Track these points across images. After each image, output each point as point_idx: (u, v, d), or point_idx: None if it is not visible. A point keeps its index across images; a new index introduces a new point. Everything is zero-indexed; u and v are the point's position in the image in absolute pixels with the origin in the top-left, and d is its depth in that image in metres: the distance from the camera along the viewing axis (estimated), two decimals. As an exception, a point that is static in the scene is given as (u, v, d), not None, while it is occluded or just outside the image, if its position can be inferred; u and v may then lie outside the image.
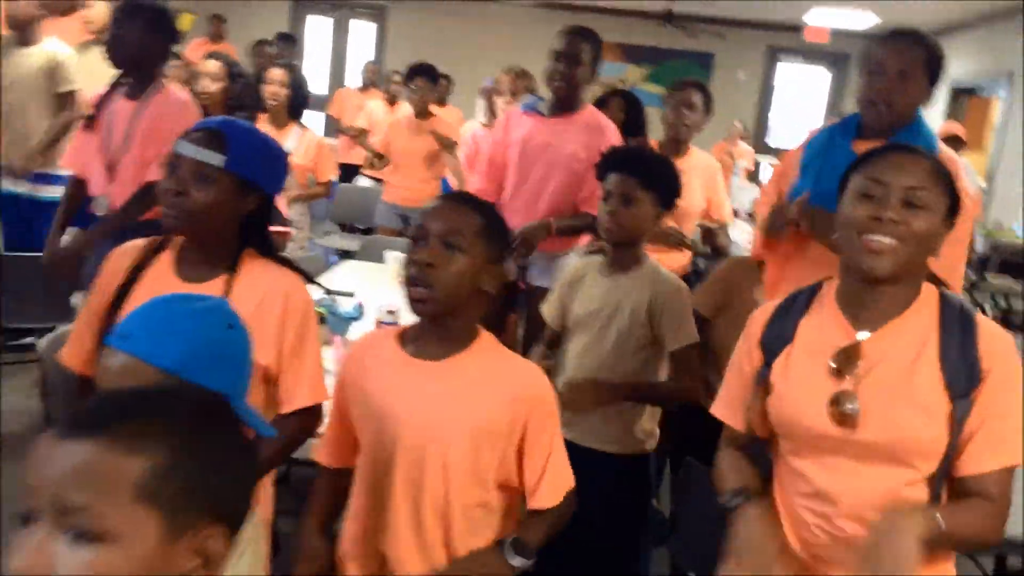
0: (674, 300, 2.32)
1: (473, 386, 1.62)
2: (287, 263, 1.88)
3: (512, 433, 1.63)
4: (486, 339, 1.67)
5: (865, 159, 1.55)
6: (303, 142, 4.32)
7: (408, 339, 1.68)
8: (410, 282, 1.58)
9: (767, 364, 1.61)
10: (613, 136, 3.33)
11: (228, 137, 1.74)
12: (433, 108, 5.56)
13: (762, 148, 10.15)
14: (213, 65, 3.85)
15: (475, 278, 1.59)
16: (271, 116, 4.29)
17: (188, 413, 0.95)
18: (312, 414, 1.85)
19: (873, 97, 2.21)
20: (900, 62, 2.19)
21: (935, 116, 8.80)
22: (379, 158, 5.56)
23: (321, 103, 9.84)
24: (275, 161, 1.86)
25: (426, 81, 5.44)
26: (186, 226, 1.75)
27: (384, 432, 1.63)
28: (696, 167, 3.76)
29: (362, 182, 6.57)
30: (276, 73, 4.27)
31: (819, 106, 10.69)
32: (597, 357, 2.36)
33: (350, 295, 3.56)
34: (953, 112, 8.70)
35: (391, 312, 2.77)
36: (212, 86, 3.81)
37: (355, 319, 2.98)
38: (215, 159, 1.71)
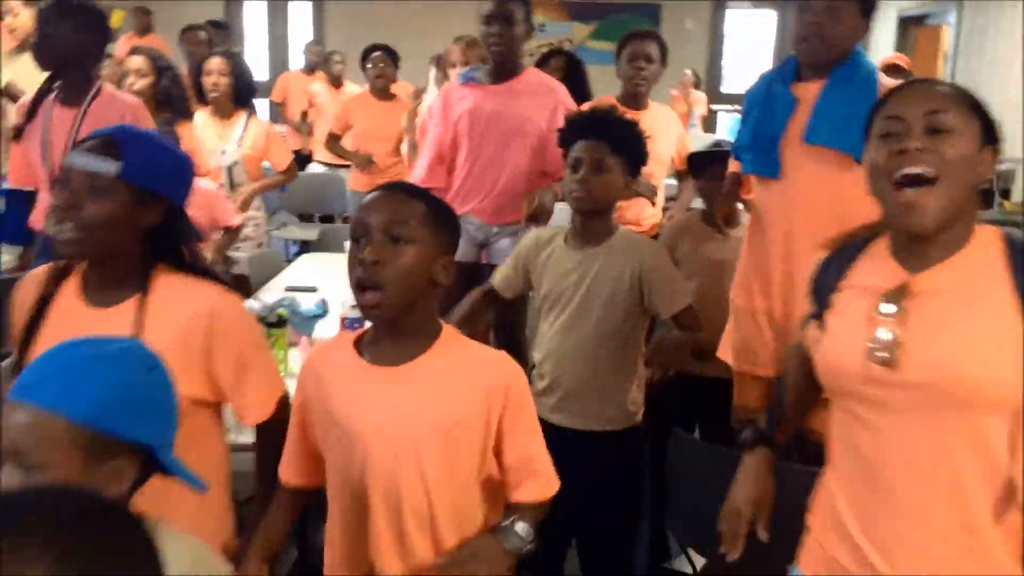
0: (659, 268, 2.26)
1: (440, 386, 1.52)
2: (210, 275, 1.74)
3: (489, 427, 1.54)
4: (448, 333, 1.58)
5: (881, 101, 1.44)
6: (252, 130, 4.16)
7: (366, 344, 1.57)
8: (358, 286, 1.47)
9: (816, 313, 1.53)
10: (563, 94, 3.25)
11: (122, 144, 1.60)
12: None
13: (716, 96, 10.05)
14: (138, 60, 3.68)
15: (427, 270, 1.49)
16: (215, 107, 4.12)
17: (70, 515, 0.80)
18: (282, 407, 1.75)
19: (805, 33, 2.18)
20: None
21: (885, 48, 8.76)
22: (368, 162, 5.25)
23: (265, 90, 9.64)
24: (178, 168, 1.72)
25: (387, 58, 5.28)
26: (83, 245, 1.59)
27: (352, 451, 1.52)
28: (659, 120, 3.68)
29: (315, 168, 6.41)
30: (215, 62, 4.09)
31: (771, 49, 10.61)
32: (582, 332, 2.27)
33: (312, 290, 3.45)
34: (902, 42, 8.66)
35: (355, 308, 2.65)
36: (139, 82, 3.64)
37: (319, 316, 2.86)
38: (109, 168, 1.57)
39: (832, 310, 1.49)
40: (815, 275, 1.56)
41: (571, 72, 3.94)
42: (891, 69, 5.46)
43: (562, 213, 3.63)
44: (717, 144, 2.78)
